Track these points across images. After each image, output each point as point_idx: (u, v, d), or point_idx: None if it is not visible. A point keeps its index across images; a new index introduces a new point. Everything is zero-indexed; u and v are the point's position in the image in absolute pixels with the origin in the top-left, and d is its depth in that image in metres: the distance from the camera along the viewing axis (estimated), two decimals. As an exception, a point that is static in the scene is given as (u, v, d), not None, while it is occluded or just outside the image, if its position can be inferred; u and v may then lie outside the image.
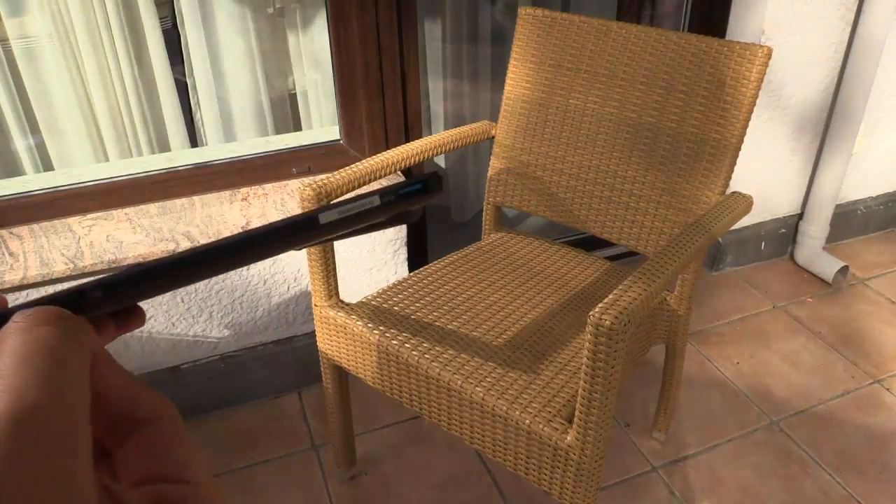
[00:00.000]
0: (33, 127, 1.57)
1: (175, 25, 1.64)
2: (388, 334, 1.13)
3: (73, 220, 1.46)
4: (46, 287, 1.35)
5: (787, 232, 2.15)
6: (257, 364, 1.62)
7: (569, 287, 1.30)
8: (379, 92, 1.57)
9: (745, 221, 2.08)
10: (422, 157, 1.30)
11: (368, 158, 1.23)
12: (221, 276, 1.49)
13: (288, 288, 1.58)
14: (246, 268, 1.51)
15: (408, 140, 1.65)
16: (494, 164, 1.42)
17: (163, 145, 1.70)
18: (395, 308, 1.20)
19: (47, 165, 1.61)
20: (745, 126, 1.14)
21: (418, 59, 1.58)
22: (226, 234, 1.43)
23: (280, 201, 1.54)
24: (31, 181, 1.54)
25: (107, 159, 1.64)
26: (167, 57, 1.61)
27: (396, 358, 1.12)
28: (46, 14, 1.47)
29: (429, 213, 1.74)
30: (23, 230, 1.42)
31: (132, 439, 0.25)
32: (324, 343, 1.26)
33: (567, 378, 1.05)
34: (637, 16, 2.22)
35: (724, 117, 1.15)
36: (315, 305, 1.23)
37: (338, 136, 1.66)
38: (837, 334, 1.85)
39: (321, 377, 1.33)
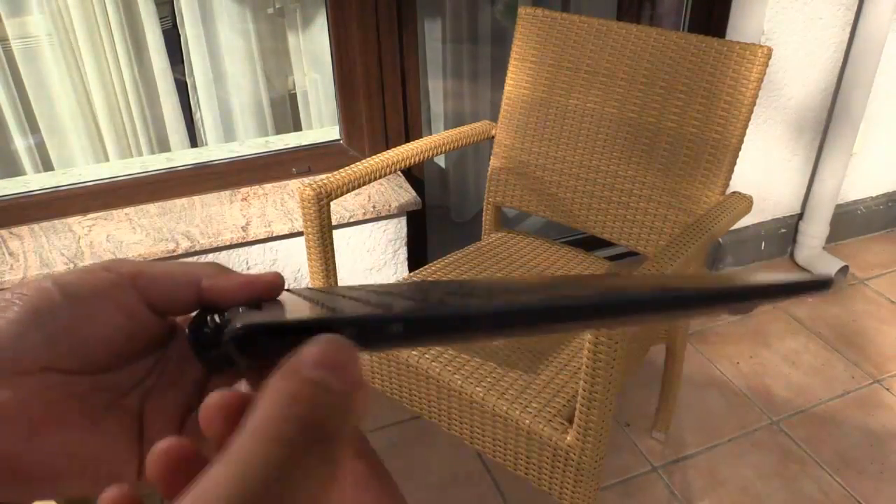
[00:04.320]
0: (33, 127, 1.57)
1: (175, 25, 1.64)
2: (388, 334, 1.13)
3: (73, 220, 1.46)
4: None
5: (787, 232, 2.15)
6: (257, 364, 1.62)
7: (569, 287, 1.30)
8: (379, 92, 1.57)
9: (745, 221, 2.08)
10: (422, 157, 1.30)
11: (368, 158, 1.23)
12: (221, 276, 1.49)
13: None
14: (245, 267, 1.51)
15: (408, 140, 1.65)
16: (494, 164, 1.42)
17: (163, 145, 1.71)
18: (395, 308, 1.20)
19: (47, 165, 1.61)
20: (745, 126, 1.14)
21: (418, 59, 1.58)
22: (226, 234, 1.42)
23: (280, 201, 1.54)
24: (31, 181, 1.54)
25: (107, 159, 1.64)
26: (167, 57, 1.61)
27: (396, 358, 1.12)
28: (46, 14, 1.47)
29: (429, 213, 1.74)
30: (23, 230, 1.42)
31: None
32: (324, 343, 1.26)
33: (567, 378, 1.05)
34: (637, 16, 2.22)
35: (724, 117, 1.15)
36: (315, 305, 1.23)
37: (338, 136, 1.66)
38: (837, 334, 1.85)
39: (321, 377, 1.33)
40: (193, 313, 0.25)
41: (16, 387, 0.21)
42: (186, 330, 0.25)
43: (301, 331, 0.18)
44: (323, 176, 1.16)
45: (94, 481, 0.22)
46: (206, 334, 0.23)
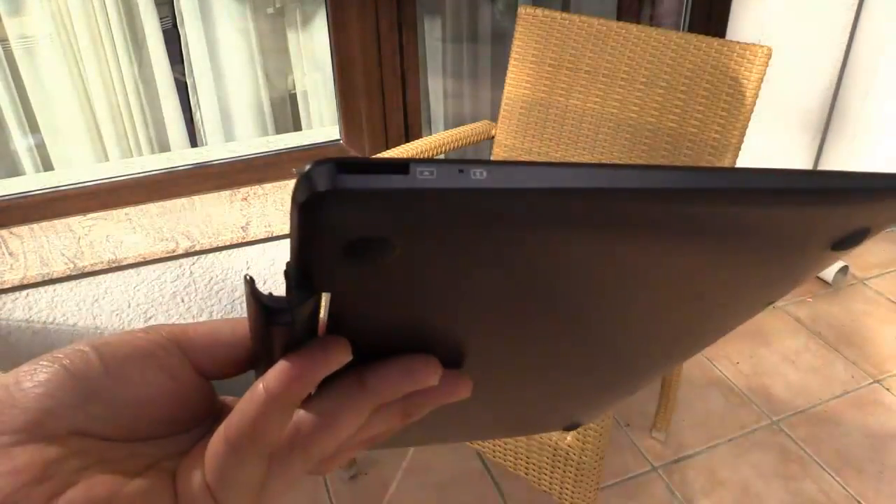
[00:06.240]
0: (33, 127, 1.57)
1: (175, 25, 1.64)
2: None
3: (73, 220, 1.46)
4: (46, 287, 1.35)
5: (787, 232, 2.15)
6: (257, 364, 1.62)
7: (569, 287, 1.30)
8: (379, 92, 1.57)
9: (745, 221, 2.07)
10: (422, 158, 1.30)
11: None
12: (221, 277, 1.49)
13: (288, 288, 1.58)
14: (245, 267, 1.51)
15: (408, 140, 1.65)
16: (494, 164, 1.42)
17: (163, 145, 1.71)
18: (395, 308, 1.20)
19: (47, 165, 1.61)
20: (745, 126, 1.14)
21: (418, 59, 1.58)
22: (226, 234, 1.42)
23: (280, 201, 1.54)
24: (31, 181, 1.54)
25: (107, 159, 1.64)
26: (167, 57, 1.61)
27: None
28: (46, 14, 1.47)
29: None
30: (23, 230, 1.42)
31: None
32: (324, 343, 1.26)
33: (567, 378, 1.05)
34: (637, 16, 2.22)
35: (724, 117, 1.15)
36: (315, 305, 1.23)
37: (338, 136, 1.66)
38: (837, 334, 1.85)
39: (321, 377, 1.33)
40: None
41: (39, 450, 0.20)
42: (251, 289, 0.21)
43: (387, 169, 0.15)
44: (323, 176, 1.16)
45: None
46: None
